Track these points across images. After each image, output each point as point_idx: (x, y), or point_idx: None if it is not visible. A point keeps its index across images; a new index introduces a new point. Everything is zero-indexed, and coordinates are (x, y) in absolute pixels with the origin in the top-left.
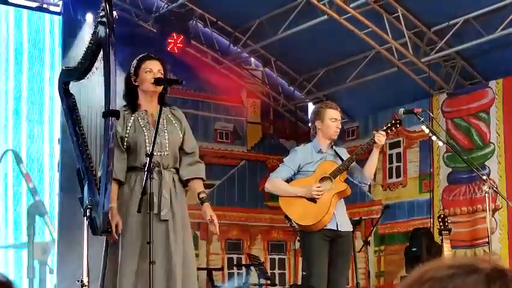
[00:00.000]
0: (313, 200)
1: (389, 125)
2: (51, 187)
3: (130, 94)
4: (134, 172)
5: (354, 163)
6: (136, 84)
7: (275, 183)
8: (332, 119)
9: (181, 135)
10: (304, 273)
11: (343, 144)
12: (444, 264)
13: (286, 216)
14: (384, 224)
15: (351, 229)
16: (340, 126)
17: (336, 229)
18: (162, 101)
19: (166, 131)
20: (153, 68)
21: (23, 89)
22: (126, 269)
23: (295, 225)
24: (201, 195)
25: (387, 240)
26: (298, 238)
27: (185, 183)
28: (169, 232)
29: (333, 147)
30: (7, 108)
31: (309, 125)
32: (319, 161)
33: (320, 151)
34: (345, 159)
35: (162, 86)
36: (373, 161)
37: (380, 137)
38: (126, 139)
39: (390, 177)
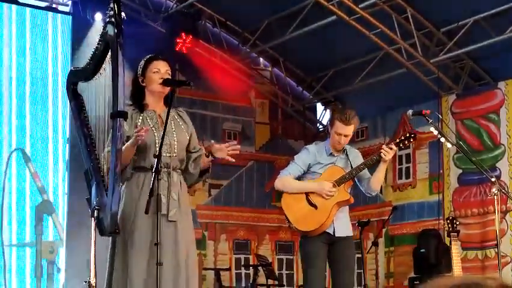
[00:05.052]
0: (314, 205)
1: (402, 138)
2: (56, 186)
3: (138, 94)
4: (143, 172)
5: (365, 171)
6: (144, 84)
7: (285, 180)
8: (338, 133)
9: (188, 137)
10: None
11: (353, 145)
12: (451, 283)
13: (286, 217)
14: (394, 225)
15: (351, 234)
16: (344, 142)
17: (332, 234)
18: (170, 103)
19: (174, 132)
20: (161, 69)
21: (27, 88)
22: (136, 269)
23: (295, 228)
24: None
25: (397, 242)
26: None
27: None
28: (177, 233)
29: (345, 150)
30: (17, 108)
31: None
32: (329, 164)
33: (331, 154)
34: (355, 162)
35: (170, 87)
36: (379, 175)
37: (387, 153)
38: None
39: (400, 178)
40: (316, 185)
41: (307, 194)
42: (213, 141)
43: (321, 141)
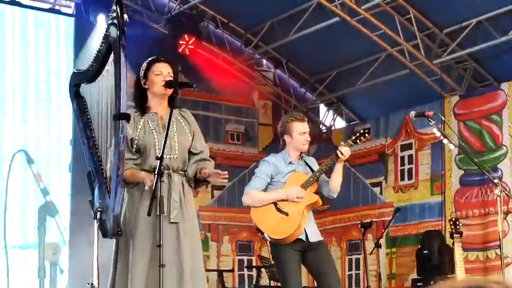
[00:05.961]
0: (284, 212)
1: (357, 135)
2: (59, 188)
3: (140, 97)
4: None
5: (322, 176)
6: (146, 87)
7: (253, 195)
8: (301, 133)
9: (191, 138)
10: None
11: (354, 146)
12: (456, 286)
13: (258, 229)
14: (395, 226)
15: (321, 238)
16: (309, 138)
17: (305, 240)
18: (172, 104)
19: (175, 133)
20: (163, 71)
21: (30, 90)
22: (137, 271)
23: (267, 237)
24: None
25: (399, 243)
26: (270, 249)
27: (195, 181)
28: (179, 234)
29: (303, 157)
30: (20, 109)
31: (279, 136)
32: (289, 172)
33: (290, 163)
34: (315, 167)
35: (173, 89)
36: (337, 175)
37: (343, 151)
38: (136, 141)
39: (402, 179)
40: (283, 193)
41: (275, 203)
42: (205, 172)
43: (276, 153)
